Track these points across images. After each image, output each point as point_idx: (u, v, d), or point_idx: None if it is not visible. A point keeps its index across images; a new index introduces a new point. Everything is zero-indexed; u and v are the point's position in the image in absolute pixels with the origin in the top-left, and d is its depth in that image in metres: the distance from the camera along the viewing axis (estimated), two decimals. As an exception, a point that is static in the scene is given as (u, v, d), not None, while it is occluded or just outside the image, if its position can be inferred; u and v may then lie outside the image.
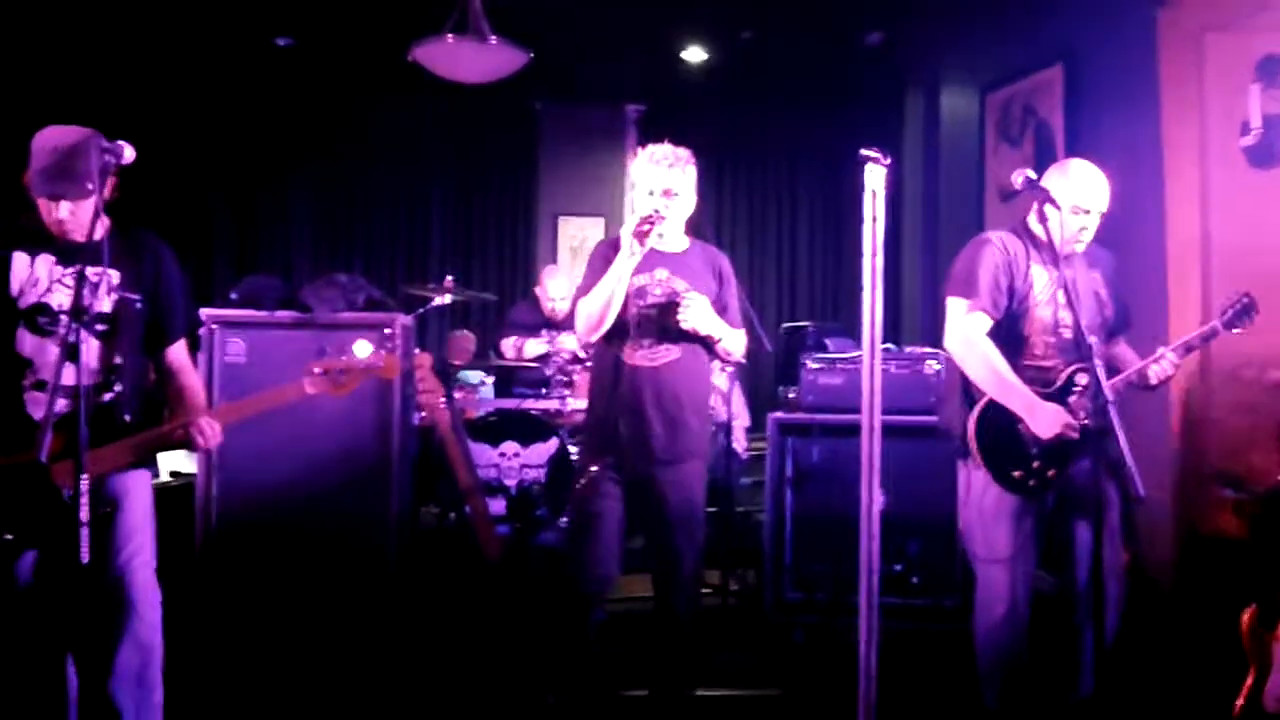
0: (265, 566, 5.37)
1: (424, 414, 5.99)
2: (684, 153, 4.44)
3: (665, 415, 4.23)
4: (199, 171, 10.03)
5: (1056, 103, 6.78)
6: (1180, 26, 5.58)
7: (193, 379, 3.84)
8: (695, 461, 4.33)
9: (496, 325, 8.61)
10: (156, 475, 3.83)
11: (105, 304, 3.58)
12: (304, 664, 5.03)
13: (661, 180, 4.33)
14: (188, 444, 3.60)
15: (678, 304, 4.24)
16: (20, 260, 3.55)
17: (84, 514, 3.03)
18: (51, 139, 3.50)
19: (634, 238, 4.13)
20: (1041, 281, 4.05)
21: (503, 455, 6.72)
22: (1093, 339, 3.67)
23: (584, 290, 4.31)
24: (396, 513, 5.55)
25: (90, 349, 3.52)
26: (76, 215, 3.51)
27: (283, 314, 5.57)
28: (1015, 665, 4.07)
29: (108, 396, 3.59)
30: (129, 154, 3.34)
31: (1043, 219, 3.86)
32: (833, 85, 9.86)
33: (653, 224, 4.14)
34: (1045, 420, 3.91)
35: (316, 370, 3.76)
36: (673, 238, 4.40)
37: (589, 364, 5.35)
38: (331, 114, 10.35)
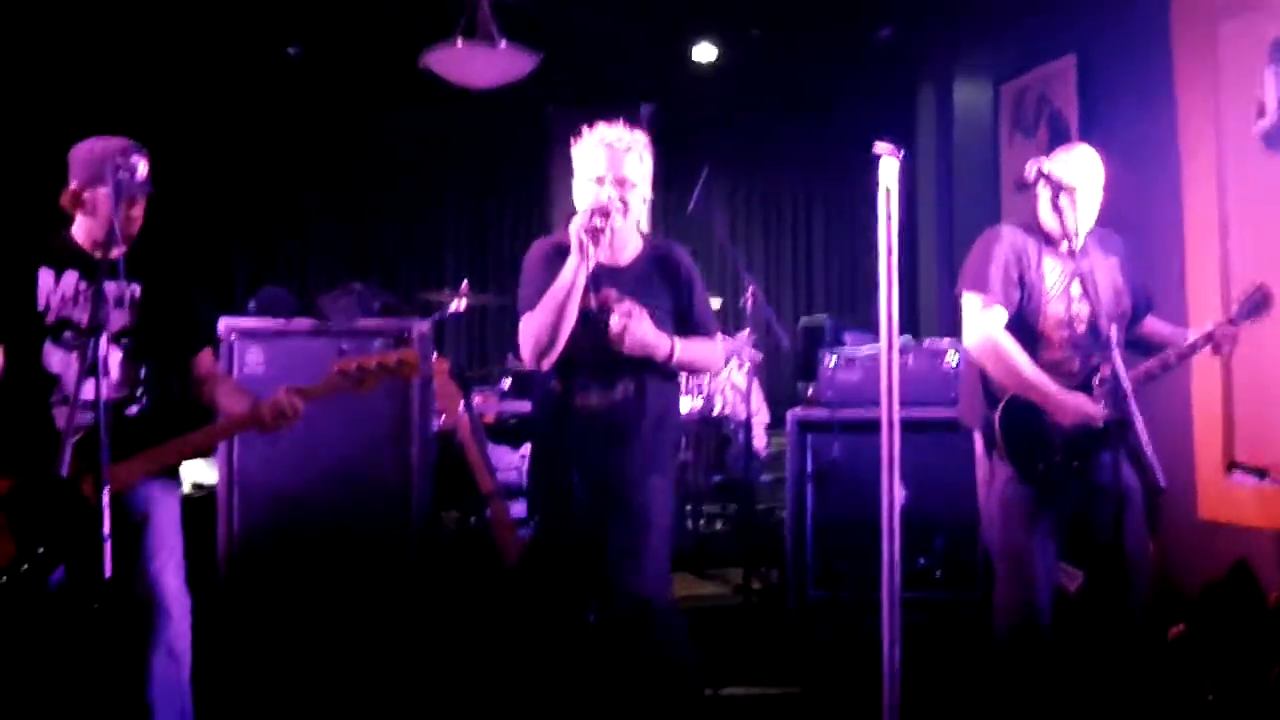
0: (288, 575, 5.37)
1: (443, 419, 5.99)
2: (640, 136, 3.79)
3: (624, 466, 3.69)
4: (212, 185, 10.03)
5: (1070, 92, 6.75)
6: (1193, 12, 5.55)
7: (228, 379, 3.84)
8: (651, 478, 3.76)
9: (513, 329, 8.60)
10: (179, 487, 3.82)
11: (127, 317, 3.60)
12: (328, 669, 5.03)
13: (615, 165, 3.68)
14: (264, 426, 3.55)
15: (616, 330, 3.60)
16: (46, 276, 3.59)
17: (107, 528, 3.02)
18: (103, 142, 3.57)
19: (584, 234, 3.53)
20: (1054, 275, 4.02)
21: (524, 458, 6.71)
22: (1111, 330, 3.65)
23: (527, 305, 3.73)
24: (417, 518, 5.54)
25: (114, 362, 3.55)
26: (132, 210, 3.56)
27: (300, 322, 5.57)
28: (1037, 659, 4.05)
29: (133, 409, 3.60)
30: (142, 169, 3.39)
31: (1057, 210, 3.85)
32: (844, 81, 9.83)
33: (607, 215, 3.56)
34: (1069, 410, 3.89)
35: (338, 369, 3.67)
36: (622, 244, 3.79)
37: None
38: (342, 123, 10.35)
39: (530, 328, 3.66)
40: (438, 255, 10.95)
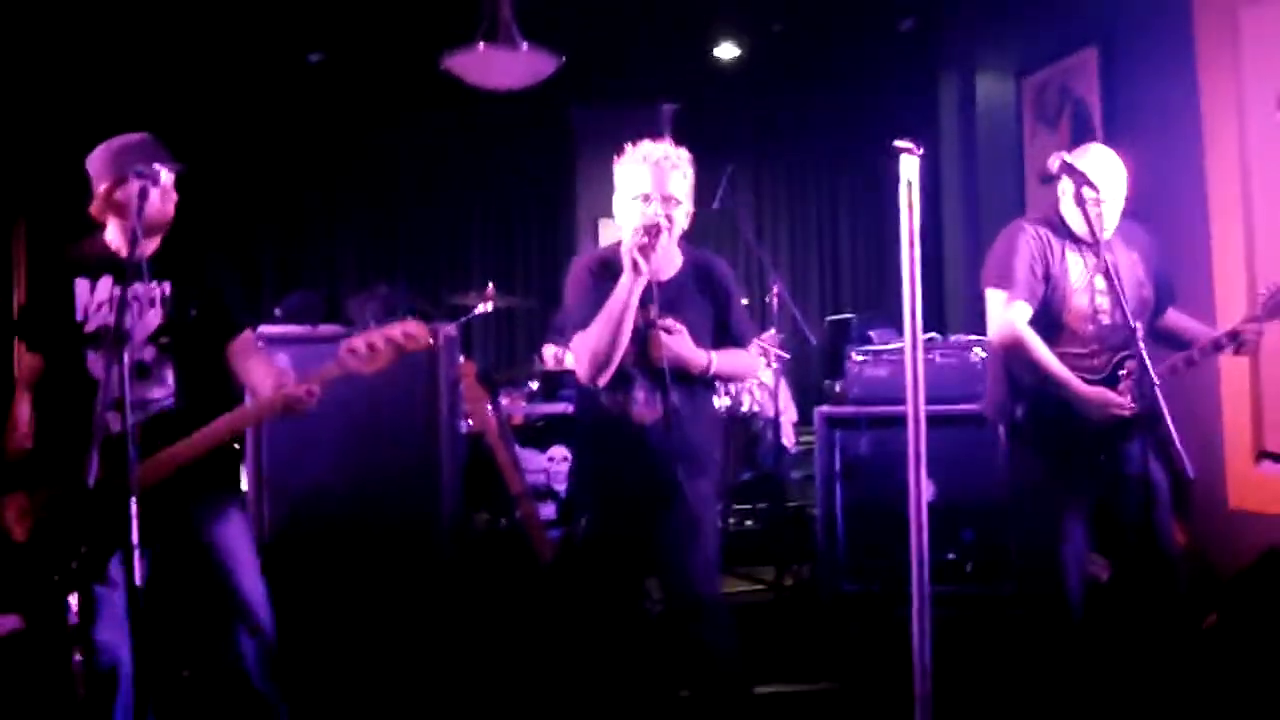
0: (319, 578, 5.41)
1: (471, 421, 6.02)
2: (684, 153, 3.85)
3: (673, 471, 3.70)
4: (239, 191, 10.08)
5: (1093, 82, 6.73)
6: (1215, 1, 5.52)
7: (265, 362, 3.76)
8: (699, 481, 3.80)
9: (541, 331, 8.63)
10: (241, 492, 4.03)
11: (160, 316, 3.63)
12: (362, 670, 5.07)
13: (659, 184, 3.75)
14: (292, 409, 3.55)
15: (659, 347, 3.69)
16: (82, 286, 3.64)
17: (135, 536, 3.05)
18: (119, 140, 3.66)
19: (637, 253, 3.58)
20: (1077, 269, 4.03)
21: (551, 460, 6.75)
22: (1137, 323, 3.66)
23: (577, 323, 3.78)
24: (448, 519, 5.58)
25: (150, 362, 3.61)
26: (164, 201, 3.62)
27: (326, 328, 5.61)
28: (1070, 651, 4.05)
29: (171, 405, 3.62)
30: (165, 176, 3.43)
31: (1080, 203, 3.85)
32: (867, 74, 9.82)
33: (658, 234, 3.62)
34: (1093, 405, 3.90)
35: (346, 348, 3.55)
36: (666, 258, 3.81)
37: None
38: (367, 128, 10.38)
39: (587, 345, 3.70)
40: (464, 258, 10.98)
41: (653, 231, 3.62)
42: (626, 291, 3.61)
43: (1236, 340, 4.03)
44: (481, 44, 6.61)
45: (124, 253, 3.60)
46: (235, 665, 3.72)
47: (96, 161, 3.64)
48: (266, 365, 3.73)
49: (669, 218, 3.71)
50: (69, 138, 7.89)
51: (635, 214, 3.76)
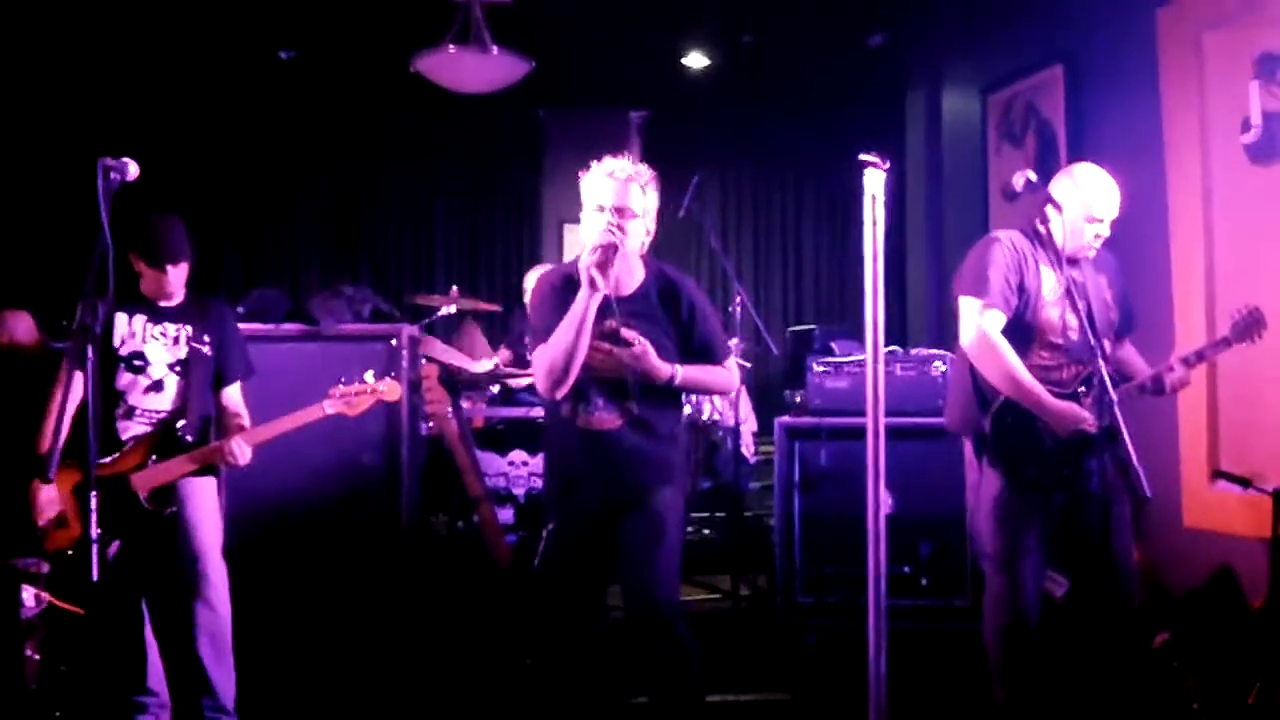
0: (278, 578, 5.39)
1: (431, 424, 6.00)
2: (645, 170, 3.90)
3: (635, 480, 3.84)
4: (204, 186, 10.03)
5: (1058, 102, 6.78)
6: (1180, 25, 5.57)
7: (240, 414, 4.62)
8: (664, 489, 3.89)
9: (502, 333, 8.62)
10: (215, 476, 4.61)
11: (181, 351, 4.52)
12: (321, 671, 5.05)
13: (616, 196, 3.80)
14: (223, 461, 4.41)
15: (624, 357, 3.78)
16: (121, 319, 4.49)
17: (94, 531, 3.48)
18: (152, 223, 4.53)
19: (594, 271, 3.67)
20: (1050, 283, 4.05)
21: (511, 464, 6.73)
22: (1104, 341, 3.68)
23: (540, 336, 3.86)
24: (407, 522, 5.56)
25: (171, 385, 4.49)
26: (176, 278, 4.53)
27: (289, 326, 5.59)
28: (1026, 665, 4.07)
29: (180, 423, 4.45)
30: (133, 170, 3.51)
31: (1044, 220, 3.87)
32: (835, 87, 9.87)
33: (613, 252, 3.69)
34: (1063, 418, 3.92)
35: (334, 394, 4.45)
36: (625, 273, 3.88)
37: None
38: (336, 126, 10.36)
39: (544, 359, 3.77)
40: (429, 258, 10.96)
41: (609, 250, 3.68)
42: (583, 307, 3.69)
43: (1158, 384, 4.08)
44: (452, 46, 6.61)
45: (151, 297, 4.56)
46: (183, 625, 4.45)
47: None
48: (235, 419, 4.60)
49: (620, 228, 3.75)
50: (36, 135, 7.88)
51: (594, 226, 3.80)
